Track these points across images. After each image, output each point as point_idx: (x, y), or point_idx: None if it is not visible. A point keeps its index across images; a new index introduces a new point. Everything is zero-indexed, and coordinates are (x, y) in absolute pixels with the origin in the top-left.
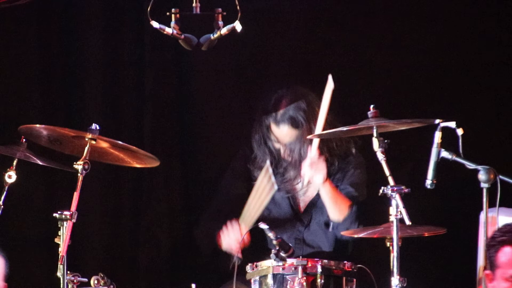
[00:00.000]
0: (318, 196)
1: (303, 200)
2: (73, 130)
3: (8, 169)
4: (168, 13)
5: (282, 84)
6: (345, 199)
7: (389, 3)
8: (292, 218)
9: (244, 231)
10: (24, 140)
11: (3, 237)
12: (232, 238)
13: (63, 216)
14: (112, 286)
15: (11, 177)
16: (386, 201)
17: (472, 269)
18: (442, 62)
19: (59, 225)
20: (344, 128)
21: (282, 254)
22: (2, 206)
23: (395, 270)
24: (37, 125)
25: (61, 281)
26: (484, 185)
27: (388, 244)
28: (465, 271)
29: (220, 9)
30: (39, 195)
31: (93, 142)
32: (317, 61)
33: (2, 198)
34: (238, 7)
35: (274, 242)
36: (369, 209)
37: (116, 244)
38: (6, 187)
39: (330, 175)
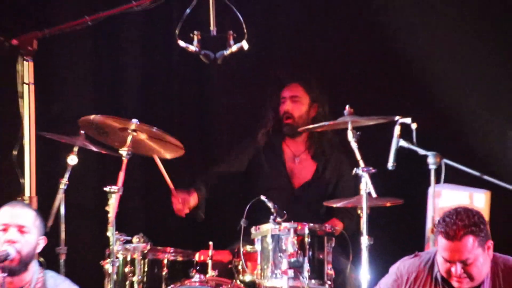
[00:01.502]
0: (313, 180)
1: (298, 179)
2: (119, 120)
3: (70, 154)
4: (191, 34)
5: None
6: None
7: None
8: (288, 192)
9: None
10: (82, 132)
11: (68, 205)
12: (178, 205)
13: (112, 190)
14: (149, 243)
15: (73, 160)
16: (358, 178)
17: (422, 231)
18: (404, 69)
19: (108, 197)
20: (326, 123)
21: (278, 219)
22: (67, 182)
23: (364, 231)
24: (92, 116)
25: (111, 239)
26: (432, 167)
27: (359, 211)
28: (417, 232)
29: (231, 32)
30: (94, 173)
31: (134, 133)
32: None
33: (67, 176)
34: (245, 30)
35: (272, 210)
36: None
37: (152, 211)
38: (69, 168)
39: (324, 170)
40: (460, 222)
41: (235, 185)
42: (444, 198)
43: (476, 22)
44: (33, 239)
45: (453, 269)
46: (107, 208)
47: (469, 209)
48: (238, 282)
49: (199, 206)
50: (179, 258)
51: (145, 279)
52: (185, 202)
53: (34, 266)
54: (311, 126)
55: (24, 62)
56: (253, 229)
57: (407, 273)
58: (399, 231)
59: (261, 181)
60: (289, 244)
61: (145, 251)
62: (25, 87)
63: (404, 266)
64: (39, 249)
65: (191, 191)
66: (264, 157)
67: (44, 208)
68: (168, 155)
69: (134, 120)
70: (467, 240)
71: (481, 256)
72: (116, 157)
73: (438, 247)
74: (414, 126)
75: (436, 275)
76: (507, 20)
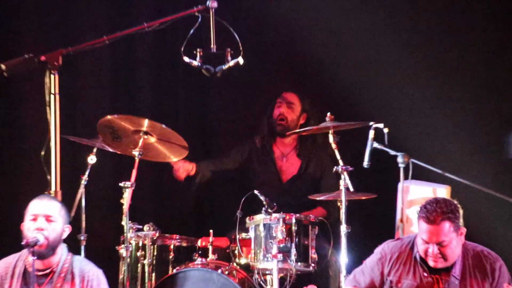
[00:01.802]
0: (298, 174)
1: (286, 174)
2: (133, 118)
3: (90, 154)
4: (194, 51)
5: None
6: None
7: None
8: (278, 186)
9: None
10: (100, 136)
11: (88, 198)
12: (182, 167)
13: (126, 185)
14: (157, 231)
15: (92, 159)
16: (338, 175)
17: (393, 220)
18: (379, 80)
19: (123, 191)
20: (310, 127)
21: (269, 210)
22: (87, 179)
23: (343, 221)
24: (109, 116)
25: (125, 227)
26: (401, 165)
27: (339, 204)
28: (388, 221)
29: (229, 49)
30: (110, 171)
31: (145, 136)
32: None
33: (87, 173)
34: (240, 48)
35: (264, 202)
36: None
37: (160, 203)
38: (89, 166)
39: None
40: (439, 209)
41: (232, 181)
42: (411, 192)
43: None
44: (59, 227)
45: (430, 250)
46: (121, 201)
47: (447, 199)
48: (234, 264)
49: (195, 177)
50: (184, 244)
51: (154, 262)
52: (184, 167)
53: (61, 250)
54: (298, 130)
55: (51, 75)
56: (247, 219)
57: (390, 253)
58: (373, 221)
59: (255, 177)
60: (279, 232)
61: (154, 238)
62: (52, 97)
63: (388, 247)
64: (64, 235)
65: (191, 163)
66: (256, 156)
67: (67, 201)
68: (174, 158)
69: (146, 121)
70: (444, 225)
71: (454, 240)
72: (129, 157)
73: (418, 230)
74: (386, 130)
75: (415, 255)
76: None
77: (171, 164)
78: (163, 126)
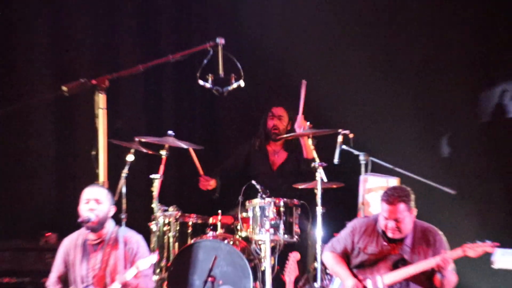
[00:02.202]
0: (283, 164)
1: (275, 165)
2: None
3: (129, 153)
4: (207, 76)
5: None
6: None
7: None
8: (270, 173)
9: (211, 181)
10: (136, 139)
11: (127, 187)
12: (204, 183)
13: (155, 177)
14: (179, 211)
15: (130, 157)
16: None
17: (356, 204)
18: (346, 95)
19: (153, 181)
20: (294, 134)
21: (263, 196)
22: (127, 172)
23: (319, 203)
24: (142, 139)
25: (155, 208)
26: (362, 162)
27: (315, 190)
28: (352, 204)
29: (233, 74)
30: (144, 166)
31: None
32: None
33: (127, 168)
34: (242, 73)
35: (260, 190)
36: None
37: (182, 190)
38: (128, 163)
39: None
40: (396, 194)
41: (236, 174)
42: (369, 182)
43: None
44: (106, 207)
45: (389, 224)
46: (152, 189)
47: (403, 187)
48: (237, 236)
49: (215, 189)
50: (199, 221)
51: (177, 234)
52: (208, 181)
53: (109, 225)
54: (285, 135)
55: (99, 94)
56: (247, 202)
57: (359, 227)
58: (341, 203)
59: (253, 169)
60: (270, 212)
61: (177, 217)
62: (100, 111)
63: (358, 222)
64: (110, 214)
65: (212, 179)
66: (254, 154)
67: (112, 189)
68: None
69: (171, 132)
70: (400, 206)
71: (407, 217)
72: (158, 156)
73: (381, 209)
74: (351, 135)
75: (378, 228)
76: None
77: (200, 177)
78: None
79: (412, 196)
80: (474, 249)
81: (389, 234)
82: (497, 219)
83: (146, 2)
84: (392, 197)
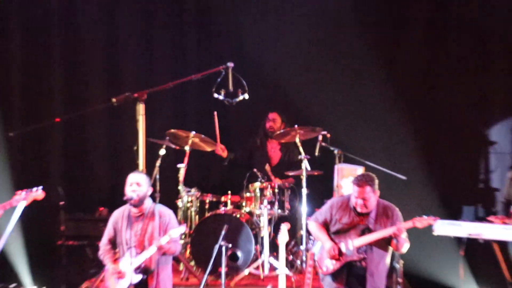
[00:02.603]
0: (282, 159)
1: (273, 159)
2: (185, 132)
3: (161, 148)
4: (220, 91)
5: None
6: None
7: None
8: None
9: (225, 151)
10: (167, 138)
11: (160, 173)
12: (219, 150)
13: (181, 166)
14: (199, 191)
15: (162, 151)
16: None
17: (331, 186)
18: (326, 101)
19: (180, 169)
20: (287, 134)
21: (262, 180)
22: (160, 163)
23: (304, 186)
24: (172, 130)
25: (181, 190)
26: (336, 155)
27: (301, 177)
28: (329, 187)
29: (240, 89)
30: (172, 158)
31: (193, 138)
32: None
33: (159, 159)
34: (246, 88)
35: (259, 176)
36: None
37: (201, 176)
38: (161, 155)
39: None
40: (364, 179)
41: (242, 163)
42: (342, 171)
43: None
44: (145, 189)
45: (358, 202)
46: (178, 175)
47: (370, 174)
48: (243, 211)
49: (226, 159)
50: (214, 199)
51: (197, 209)
52: (223, 150)
53: (147, 201)
54: (279, 133)
55: (140, 104)
56: (250, 185)
57: (336, 202)
58: (321, 186)
59: (255, 161)
60: (267, 192)
61: (197, 196)
62: (140, 117)
63: (335, 199)
64: (148, 193)
65: (226, 150)
66: (256, 149)
67: (149, 175)
68: (208, 148)
69: (192, 132)
70: (366, 188)
71: (372, 197)
72: (183, 150)
73: (352, 190)
74: (328, 135)
75: (350, 205)
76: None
77: (216, 150)
78: (202, 136)
79: (376, 181)
80: (421, 222)
81: (358, 210)
82: (436, 199)
83: (175, 33)
84: (361, 181)
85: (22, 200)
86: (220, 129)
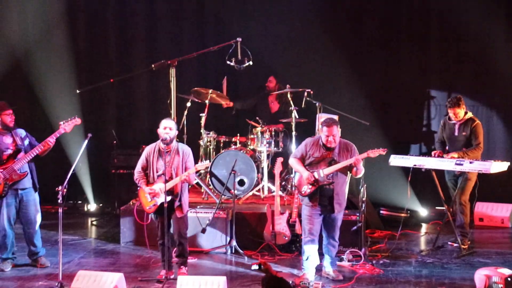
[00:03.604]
0: (279, 110)
1: (272, 108)
2: (204, 89)
3: (187, 102)
4: (231, 59)
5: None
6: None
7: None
8: (269, 114)
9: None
10: (192, 94)
11: (187, 121)
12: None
13: (202, 115)
14: (216, 134)
15: (188, 104)
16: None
17: (314, 129)
18: (310, 66)
19: (201, 117)
20: (281, 91)
21: (263, 125)
22: (186, 113)
23: (293, 129)
24: (195, 88)
25: (202, 133)
26: (318, 107)
27: (291, 123)
28: (312, 130)
29: (246, 58)
30: (196, 108)
31: (211, 94)
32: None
33: (186, 111)
34: (251, 57)
35: (260, 122)
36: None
37: (217, 120)
38: (187, 107)
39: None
40: (331, 120)
41: (247, 109)
42: (321, 119)
43: None
44: (174, 132)
45: (329, 139)
46: (200, 121)
47: (333, 117)
48: (248, 148)
49: (232, 108)
50: (227, 140)
51: (214, 147)
52: (229, 104)
53: (174, 141)
54: (276, 92)
55: (172, 68)
56: (253, 129)
57: (310, 141)
58: (306, 130)
59: (259, 110)
60: (266, 134)
61: (214, 137)
62: (172, 78)
63: (308, 139)
64: (175, 135)
65: (231, 102)
66: (260, 102)
67: (178, 121)
68: (223, 102)
69: (211, 90)
70: (334, 127)
71: (337, 135)
72: (204, 103)
73: (322, 131)
74: (311, 92)
75: (320, 142)
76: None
77: (223, 105)
78: (218, 92)
79: (338, 123)
80: (373, 152)
81: (328, 145)
82: (390, 140)
83: (199, 14)
84: (329, 122)
85: (65, 128)
86: (230, 86)
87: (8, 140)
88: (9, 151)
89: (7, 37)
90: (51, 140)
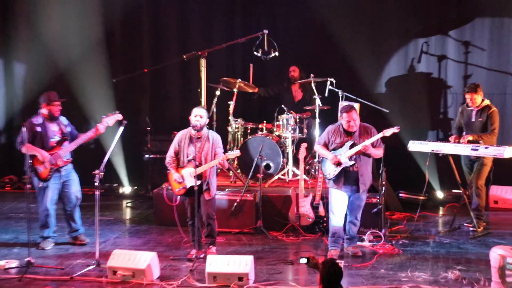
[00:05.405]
0: (302, 98)
1: (296, 98)
2: (232, 79)
3: (217, 90)
4: (258, 49)
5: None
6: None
7: None
8: (292, 102)
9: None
10: (221, 83)
11: (216, 109)
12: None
13: (231, 103)
14: (243, 120)
15: (218, 92)
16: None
17: (336, 116)
18: (333, 55)
19: (230, 105)
20: (305, 80)
21: (288, 113)
22: (216, 101)
23: (317, 116)
24: (224, 77)
25: (231, 120)
26: (340, 95)
27: (315, 110)
28: (335, 118)
29: (272, 49)
30: (225, 96)
31: (239, 83)
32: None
33: (216, 98)
34: (277, 48)
35: (285, 110)
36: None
37: (246, 107)
38: (217, 96)
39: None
40: (349, 106)
41: (272, 97)
42: (343, 104)
43: None
44: (204, 119)
45: (350, 123)
46: (229, 109)
47: (351, 104)
48: (274, 134)
49: (255, 94)
50: (254, 126)
51: (242, 133)
52: (254, 89)
53: (205, 129)
54: (300, 81)
55: (202, 59)
56: (279, 116)
57: (332, 128)
58: (329, 117)
59: (283, 99)
60: (291, 121)
61: (242, 124)
62: (202, 68)
63: (330, 126)
64: (206, 122)
65: (257, 88)
66: (284, 90)
67: (208, 109)
68: (250, 90)
69: (239, 79)
70: (354, 112)
71: (357, 119)
72: (232, 91)
73: (342, 117)
74: (334, 81)
75: (341, 128)
76: None
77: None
78: (246, 82)
79: (358, 108)
80: (388, 131)
81: (350, 129)
82: (410, 127)
83: (228, 8)
84: (348, 108)
85: (108, 121)
86: (257, 75)
87: (54, 127)
88: (56, 138)
89: (47, 31)
90: (101, 127)
